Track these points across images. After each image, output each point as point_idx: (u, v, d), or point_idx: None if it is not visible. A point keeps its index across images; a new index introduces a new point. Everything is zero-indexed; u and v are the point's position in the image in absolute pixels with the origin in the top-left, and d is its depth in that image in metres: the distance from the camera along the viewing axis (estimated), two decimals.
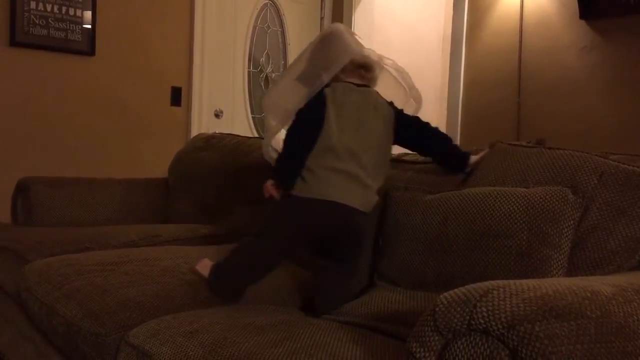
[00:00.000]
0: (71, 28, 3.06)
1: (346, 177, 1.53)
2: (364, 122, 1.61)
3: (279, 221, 1.59)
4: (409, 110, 1.81)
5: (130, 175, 2.88)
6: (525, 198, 1.29)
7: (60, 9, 3.02)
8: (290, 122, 1.66)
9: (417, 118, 1.75)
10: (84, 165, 3.10)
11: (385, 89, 1.78)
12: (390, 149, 1.69)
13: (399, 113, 1.71)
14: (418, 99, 1.89)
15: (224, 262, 1.58)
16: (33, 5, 2.94)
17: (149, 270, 1.69)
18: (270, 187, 1.65)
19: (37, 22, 2.96)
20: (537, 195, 1.29)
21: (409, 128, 1.70)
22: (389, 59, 1.83)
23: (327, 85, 1.66)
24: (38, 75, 3.00)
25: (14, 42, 2.91)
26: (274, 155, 1.73)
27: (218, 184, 2.60)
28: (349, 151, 1.55)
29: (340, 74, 1.69)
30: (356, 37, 1.79)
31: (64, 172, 2.90)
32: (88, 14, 3.11)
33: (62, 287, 1.60)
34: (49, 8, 2.99)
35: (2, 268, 2.05)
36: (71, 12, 3.06)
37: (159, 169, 2.83)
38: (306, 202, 1.53)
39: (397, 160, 1.88)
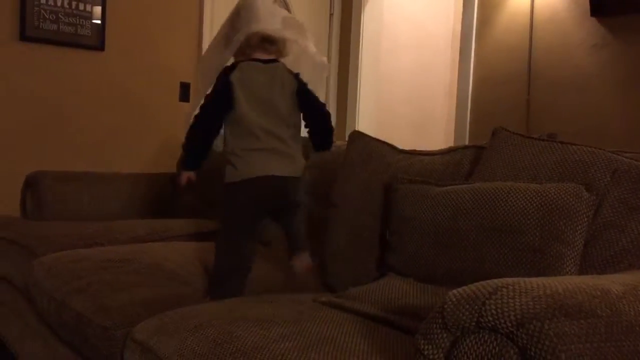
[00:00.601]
0: (81, 23, 3.07)
1: (270, 153, 1.69)
2: (273, 101, 1.74)
3: (229, 213, 1.73)
4: (322, 76, 2.03)
5: (139, 170, 2.89)
6: (539, 194, 1.28)
7: (70, 4, 3.03)
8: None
9: (308, 94, 1.83)
10: (92, 160, 3.11)
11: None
12: (299, 117, 1.82)
13: (300, 87, 1.80)
14: (323, 67, 2.02)
15: (213, 285, 1.68)
16: (43, 0, 2.95)
17: (157, 267, 1.70)
18: (180, 177, 1.80)
19: (47, 16, 2.97)
20: (550, 191, 1.28)
21: (302, 103, 1.81)
22: (291, 34, 1.89)
23: (234, 66, 1.74)
24: (48, 70, 3.01)
25: (24, 37, 2.92)
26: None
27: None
28: (265, 130, 1.70)
29: (247, 48, 1.78)
30: (269, 7, 1.87)
31: (72, 167, 2.91)
32: (98, 9, 3.11)
33: (71, 282, 1.61)
34: (59, 3, 3.00)
35: (11, 262, 2.06)
36: (81, 7, 3.07)
37: (167, 164, 2.83)
38: (243, 184, 1.67)
39: (402, 152, 1.87)
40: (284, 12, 1.93)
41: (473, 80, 3.51)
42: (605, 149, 1.37)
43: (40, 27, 2.96)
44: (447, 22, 4.83)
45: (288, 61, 1.86)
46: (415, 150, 1.87)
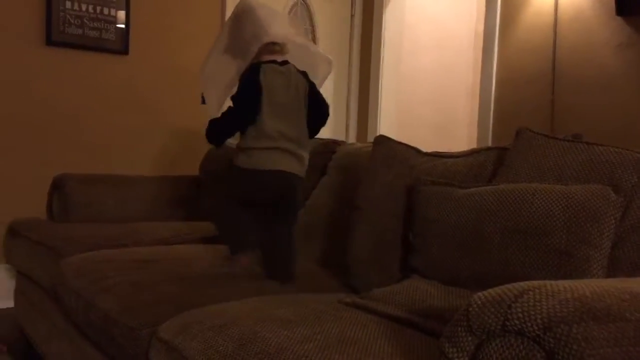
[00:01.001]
0: (105, 27, 3.12)
1: (282, 152, 1.84)
2: (289, 105, 1.88)
3: (234, 192, 1.89)
4: (324, 72, 2.20)
5: (162, 173, 2.92)
6: (565, 196, 1.27)
7: (95, 9, 3.07)
8: (231, 91, 1.91)
9: (317, 95, 1.99)
10: (117, 163, 3.15)
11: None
12: (306, 116, 1.96)
13: (311, 86, 1.97)
14: (326, 64, 2.21)
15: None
16: (69, 5, 3.00)
17: (182, 268, 1.72)
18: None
19: (72, 21, 3.01)
20: (577, 193, 1.26)
21: (311, 102, 1.96)
22: (293, 34, 2.07)
23: (257, 66, 1.86)
24: (73, 74, 3.06)
25: (50, 42, 2.97)
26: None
27: None
28: (280, 132, 1.84)
29: (256, 53, 1.93)
30: (267, 10, 2.01)
31: (97, 169, 2.95)
32: (122, 14, 3.16)
33: (99, 282, 1.64)
34: (84, 8, 3.04)
35: (39, 264, 2.09)
36: (105, 11, 3.11)
37: (190, 167, 2.86)
38: (254, 172, 1.83)
39: (425, 155, 1.86)
40: (280, 12, 2.08)
41: (496, 80, 3.48)
42: (632, 150, 1.35)
43: (66, 31, 3.01)
44: (469, 22, 4.80)
45: (292, 59, 1.98)
46: (438, 152, 1.87)
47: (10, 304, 2.65)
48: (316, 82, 2.03)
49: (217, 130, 1.93)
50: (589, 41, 3.07)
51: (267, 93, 1.83)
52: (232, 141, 1.99)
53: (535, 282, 0.85)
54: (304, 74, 1.96)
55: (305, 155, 1.92)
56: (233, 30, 1.99)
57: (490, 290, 0.86)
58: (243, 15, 1.97)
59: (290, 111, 1.88)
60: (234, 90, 1.90)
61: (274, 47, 1.93)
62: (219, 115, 1.97)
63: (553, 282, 0.86)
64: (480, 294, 0.86)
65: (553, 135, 1.52)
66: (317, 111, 1.98)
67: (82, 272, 1.73)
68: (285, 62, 1.92)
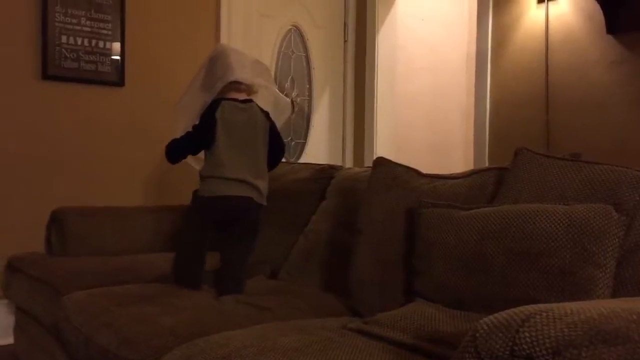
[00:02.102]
0: (101, 60, 3.13)
1: (237, 181, 2.04)
2: (248, 140, 2.09)
3: (193, 216, 2.12)
4: (285, 115, 2.44)
5: (161, 203, 2.91)
6: (567, 215, 1.26)
7: (90, 42, 3.10)
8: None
9: (276, 132, 2.22)
10: (115, 194, 3.15)
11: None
12: (267, 151, 2.16)
13: (271, 125, 2.18)
14: (287, 107, 2.46)
15: (173, 267, 2.06)
16: (64, 39, 3.02)
17: (181, 301, 1.71)
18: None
19: (68, 55, 3.03)
20: (579, 212, 1.26)
21: (271, 139, 2.17)
22: (260, 79, 2.27)
23: (217, 102, 2.08)
24: (70, 107, 3.07)
25: (46, 76, 2.99)
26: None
27: None
28: (237, 164, 2.04)
29: (222, 89, 2.12)
30: (239, 55, 2.25)
31: (96, 202, 2.94)
32: (117, 46, 3.18)
33: (99, 317, 1.62)
34: (79, 41, 3.06)
35: (39, 300, 2.08)
36: (101, 44, 3.13)
37: (189, 197, 2.84)
38: (212, 199, 2.03)
39: (426, 176, 1.86)
40: (251, 59, 2.29)
41: (490, 102, 3.50)
42: (632, 168, 1.36)
43: (62, 65, 3.02)
44: (461, 44, 4.84)
45: (257, 100, 2.20)
46: (438, 174, 1.87)
47: (9, 340, 2.62)
48: (277, 122, 2.26)
49: (173, 149, 2.19)
50: (581, 60, 3.10)
51: (223, 126, 2.04)
52: (197, 167, 2.24)
53: (542, 305, 0.84)
54: (266, 113, 2.17)
55: (262, 185, 2.10)
56: (207, 70, 2.21)
57: (496, 314, 0.85)
58: (217, 57, 2.20)
59: (248, 144, 2.09)
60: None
61: (239, 86, 2.13)
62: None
63: (560, 304, 0.85)
64: (486, 319, 0.85)
65: (552, 155, 1.53)
66: (276, 147, 2.21)
67: (83, 308, 1.71)
68: (248, 101, 2.14)
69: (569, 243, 1.23)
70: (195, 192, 2.12)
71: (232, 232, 2.07)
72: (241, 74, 2.14)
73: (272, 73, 3.87)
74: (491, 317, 0.84)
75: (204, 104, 2.15)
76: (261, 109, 2.16)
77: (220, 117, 2.04)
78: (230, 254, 2.05)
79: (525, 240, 1.29)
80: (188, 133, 2.14)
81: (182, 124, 2.25)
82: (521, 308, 0.84)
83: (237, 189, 2.04)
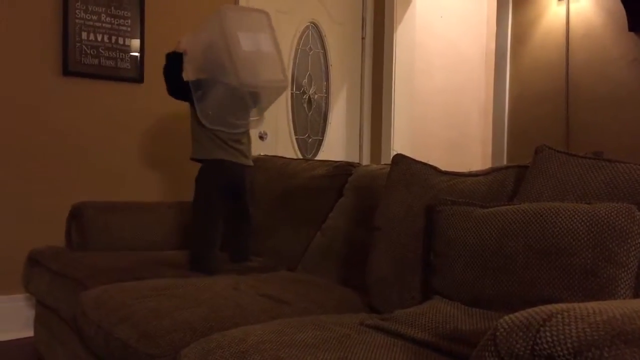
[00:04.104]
0: (120, 57, 3.16)
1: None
2: None
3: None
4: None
5: (179, 199, 2.92)
6: (589, 214, 1.25)
7: (110, 39, 3.12)
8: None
9: None
10: (134, 190, 3.17)
11: None
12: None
13: None
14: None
15: (195, 252, 2.28)
16: (85, 35, 3.05)
17: (199, 294, 1.72)
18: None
19: (88, 52, 3.06)
20: (601, 211, 1.25)
21: None
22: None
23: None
24: (89, 103, 3.10)
25: (66, 72, 3.02)
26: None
27: (265, 205, 2.62)
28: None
29: None
30: (241, 38, 2.29)
31: (115, 197, 2.97)
32: (136, 42, 3.20)
33: (117, 312, 1.63)
34: (99, 38, 3.09)
35: (59, 294, 2.10)
36: (120, 41, 3.16)
37: None
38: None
39: (445, 174, 1.86)
40: (250, 23, 2.36)
41: (509, 98, 3.48)
42: None
43: (82, 62, 3.05)
44: (480, 40, 4.81)
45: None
46: (457, 172, 1.86)
47: (29, 333, 2.66)
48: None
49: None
50: (602, 57, 3.07)
51: None
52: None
53: (564, 305, 0.83)
54: None
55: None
56: (206, 51, 2.35)
57: (517, 313, 0.84)
58: (217, 44, 2.29)
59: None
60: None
61: None
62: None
63: (581, 304, 0.84)
64: (507, 317, 0.84)
65: (574, 153, 1.51)
66: None
67: (102, 303, 1.73)
68: None
69: (590, 242, 1.22)
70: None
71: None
72: (247, 79, 2.22)
73: (290, 71, 3.87)
74: (512, 316, 0.84)
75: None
76: None
77: None
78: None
79: (546, 239, 1.28)
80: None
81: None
82: (542, 307, 0.83)
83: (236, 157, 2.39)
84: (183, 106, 3.32)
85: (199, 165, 2.42)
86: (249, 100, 2.37)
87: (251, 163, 2.47)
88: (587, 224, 1.24)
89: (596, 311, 0.81)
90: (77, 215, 2.52)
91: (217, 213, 2.31)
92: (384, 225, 1.85)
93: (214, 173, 2.32)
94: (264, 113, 2.48)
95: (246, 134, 2.46)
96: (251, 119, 2.42)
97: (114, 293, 1.77)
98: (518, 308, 0.87)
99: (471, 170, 1.92)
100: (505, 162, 3.43)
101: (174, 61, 2.36)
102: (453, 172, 1.86)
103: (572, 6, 3.18)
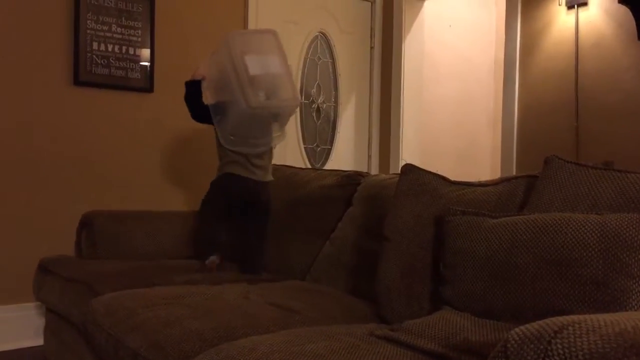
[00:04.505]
0: (131, 67, 3.18)
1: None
2: None
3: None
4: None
5: (189, 208, 2.93)
6: (600, 225, 1.25)
7: (120, 49, 3.15)
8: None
9: None
10: (144, 199, 3.19)
11: None
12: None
13: None
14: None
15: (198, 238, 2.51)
16: (95, 46, 3.07)
17: (209, 303, 1.72)
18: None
19: (99, 62, 3.09)
20: (612, 222, 1.24)
21: None
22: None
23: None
24: (100, 112, 3.12)
25: (77, 82, 3.04)
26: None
27: (273, 215, 2.62)
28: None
29: None
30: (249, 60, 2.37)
31: (125, 206, 2.99)
32: (147, 52, 3.23)
33: (128, 320, 1.64)
34: (110, 48, 3.12)
35: (70, 301, 2.11)
36: (131, 51, 3.18)
37: None
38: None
39: (454, 183, 1.85)
40: (257, 46, 2.44)
41: (518, 108, 3.47)
42: None
43: (93, 71, 3.08)
44: (488, 50, 4.81)
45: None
46: (466, 182, 1.86)
47: (40, 342, 2.67)
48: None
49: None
50: (612, 67, 3.06)
51: None
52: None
53: (575, 317, 0.83)
54: None
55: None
56: (220, 71, 2.40)
57: (528, 325, 0.84)
58: (226, 69, 2.35)
59: None
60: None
61: None
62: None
63: (593, 316, 0.84)
64: (518, 329, 0.84)
65: (584, 163, 1.51)
66: None
67: (112, 311, 1.74)
68: None
69: (601, 253, 1.21)
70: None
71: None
72: (254, 98, 2.27)
73: (299, 80, 3.89)
74: (523, 327, 0.84)
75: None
76: None
77: None
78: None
79: (557, 249, 1.27)
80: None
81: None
82: (553, 319, 0.83)
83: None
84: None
85: (213, 175, 2.53)
86: (269, 119, 2.42)
87: (271, 178, 2.52)
88: (598, 234, 1.23)
89: (608, 323, 0.80)
90: (87, 224, 2.54)
91: (218, 219, 2.44)
92: (393, 235, 1.85)
93: (228, 185, 2.43)
94: (285, 128, 2.51)
95: (269, 150, 2.51)
96: (273, 136, 2.45)
97: (124, 301, 1.77)
98: (529, 319, 0.87)
99: (480, 180, 1.92)
100: (514, 172, 3.42)
101: (193, 88, 2.47)
102: (462, 182, 1.86)
103: (581, 15, 3.19)
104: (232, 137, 2.39)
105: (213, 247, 2.38)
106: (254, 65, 2.32)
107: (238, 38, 2.40)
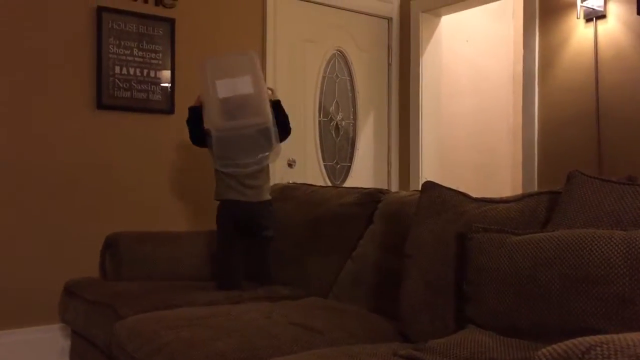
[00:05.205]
0: (152, 89, 3.23)
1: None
2: None
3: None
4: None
5: (212, 228, 2.95)
6: (625, 241, 1.23)
7: (142, 72, 3.20)
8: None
9: None
10: (167, 220, 3.22)
11: None
12: None
13: None
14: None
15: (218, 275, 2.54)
16: (118, 69, 3.13)
17: (232, 323, 1.73)
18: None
19: (121, 85, 3.14)
20: (637, 238, 1.22)
21: None
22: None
23: None
24: (123, 135, 3.17)
25: (100, 105, 3.09)
26: None
27: (294, 233, 2.62)
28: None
29: None
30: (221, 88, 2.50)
31: (148, 227, 3.01)
32: (167, 74, 3.27)
33: (152, 342, 1.65)
34: (131, 72, 3.17)
35: (95, 323, 2.13)
36: (152, 74, 3.23)
37: None
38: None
39: (475, 200, 1.84)
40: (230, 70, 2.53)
41: (538, 121, 3.45)
42: None
43: (115, 95, 3.13)
44: (507, 64, 4.80)
45: None
46: (488, 198, 1.85)
47: None
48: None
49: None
50: (632, 78, 3.03)
51: None
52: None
53: (603, 337, 0.82)
54: None
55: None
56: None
57: (555, 345, 0.83)
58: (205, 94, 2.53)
59: None
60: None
61: None
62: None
63: (621, 335, 0.83)
64: (545, 350, 0.83)
65: (607, 178, 1.49)
66: None
67: (136, 333, 1.75)
68: None
69: (628, 270, 1.19)
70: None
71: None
72: (218, 121, 2.43)
73: (318, 98, 3.91)
74: (550, 348, 0.83)
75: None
76: None
77: None
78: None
79: (582, 266, 1.26)
80: None
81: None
82: (581, 339, 0.82)
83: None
84: None
85: None
86: (258, 139, 2.48)
87: (266, 197, 2.59)
88: (624, 251, 1.22)
89: (636, 343, 0.79)
90: (111, 246, 2.57)
91: (231, 245, 2.53)
92: (415, 253, 1.84)
93: (225, 212, 2.55)
94: (281, 145, 2.57)
95: (263, 170, 2.57)
96: (261, 155, 2.51)
97: (148, 323, 1.79)
98: (554, 338, 0.87)
99: (502, 196, 1.90)
100: (536, 186, 3.39)
101: (193, 113, 2.60)
102: (484, 198, 1.85)
103: (599, 28, 3.17)
104: (219, 160, 2.50)
105: (227, 279, 2.48)
106: (223, 88, 2.44)
107: (209, 63, 2.54)
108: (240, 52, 2.89)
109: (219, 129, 2.43)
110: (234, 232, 2.52)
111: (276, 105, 2.60)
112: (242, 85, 2.46)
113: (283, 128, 2.59)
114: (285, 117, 2.65)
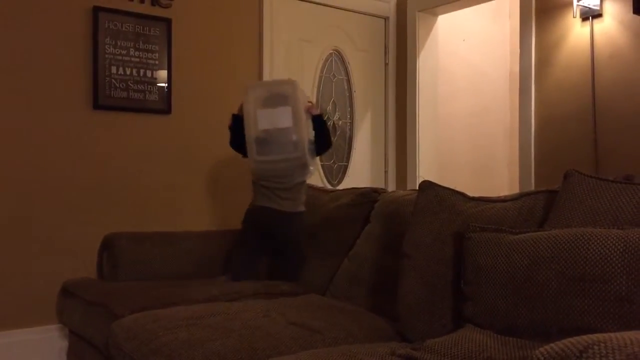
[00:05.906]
0: (149, 89, 3.23)
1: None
2: None
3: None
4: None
5: (208, 228, 2.96)
6: (622, 240, 1.23)
7: (138, 72, 3.19)
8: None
9: None
10: (164, 220, 3.21)
11: None
12: None
13: None
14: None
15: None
16: (114, 70, 3.12)
17: (230, 323, 1.72)
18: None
19: (117, 85, 3.14)
20: (635, 237, 1.23)
21: None
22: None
23: None
24: (119, 135, 3.16)
25: (97, 106, 3.09)
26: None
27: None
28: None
29: None
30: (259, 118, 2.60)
31: (145, 227, 3.01)
32: (164, 74, 3.27)
33: (149, 343, 1.65)
34: (128, 72, 3.17)
35: (92, 323, 2.13)
36: (148, 74, 3.23)
37: (235, 221, 2.89)
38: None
39: (472, 199, 1.85)
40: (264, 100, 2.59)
41: (535, 120, 3.46)
42: None
43: (112, 95, 3.12)
44: (503, 64, 4.80)
45: None
46: (485, 197, 1.85)
47: None
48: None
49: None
50: (629, 78, 3.04)
51: None
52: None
53: (600, 335, 0.82)
54: None
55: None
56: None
57: (553, 344, 0.83)
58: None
59: None
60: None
61: None
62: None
63: (618, 334, 0.83)
64: (542, 349, 0.84)
65: (604, 177, 1.50)
66: None
67: (133, 334, 1.74)
68: None
69: (624, 269, 1.20)
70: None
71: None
72: (255, 155, 2.54)
73: (315, 98, 3.91)
74: (547, 347, 0.83)
75: None
76: None
77: None
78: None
79: (579, 265, 1.26)
80: None
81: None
82: (578, 338, 0.82)
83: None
84: (210, 137, 3.38)
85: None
86: (294, 170, 2.60)
87: (295, 209, 2.63)
88: (621, 249, 1.22)
89: (634, 341, 0.80)
90: (108, 246, 2.56)
91: (246, 246, 2.65)
92: (413, 252, 1.84)
93: (249, 215, 2.70)
94: (317, 160, 2.76)
95: (299, 184, 2.64)
96: (296, 181, 2.62)
97: (145, 323, 1.78)
98: (552, 336, 0.87)
99: (499, 195, 1.91)
100: (533, 185, 3.39)
101: (235, 121, 2.68)
102: (481, 197, 1.85)
103: (595, 27, 3.17)
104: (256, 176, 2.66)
105: (230, 270, 2.60)
106: (264, 119, 2.53)
107: (252, 92, 2.59)
108: (283, 80, 3.01)
109: (256, 161, 2.56)
110: (254, 232, 2.64)
111: (316, 120, 2.63)
112: (282, 117, 2.53)
113: (323, 143, 2.65)
114: (326, 132, 2.70)
